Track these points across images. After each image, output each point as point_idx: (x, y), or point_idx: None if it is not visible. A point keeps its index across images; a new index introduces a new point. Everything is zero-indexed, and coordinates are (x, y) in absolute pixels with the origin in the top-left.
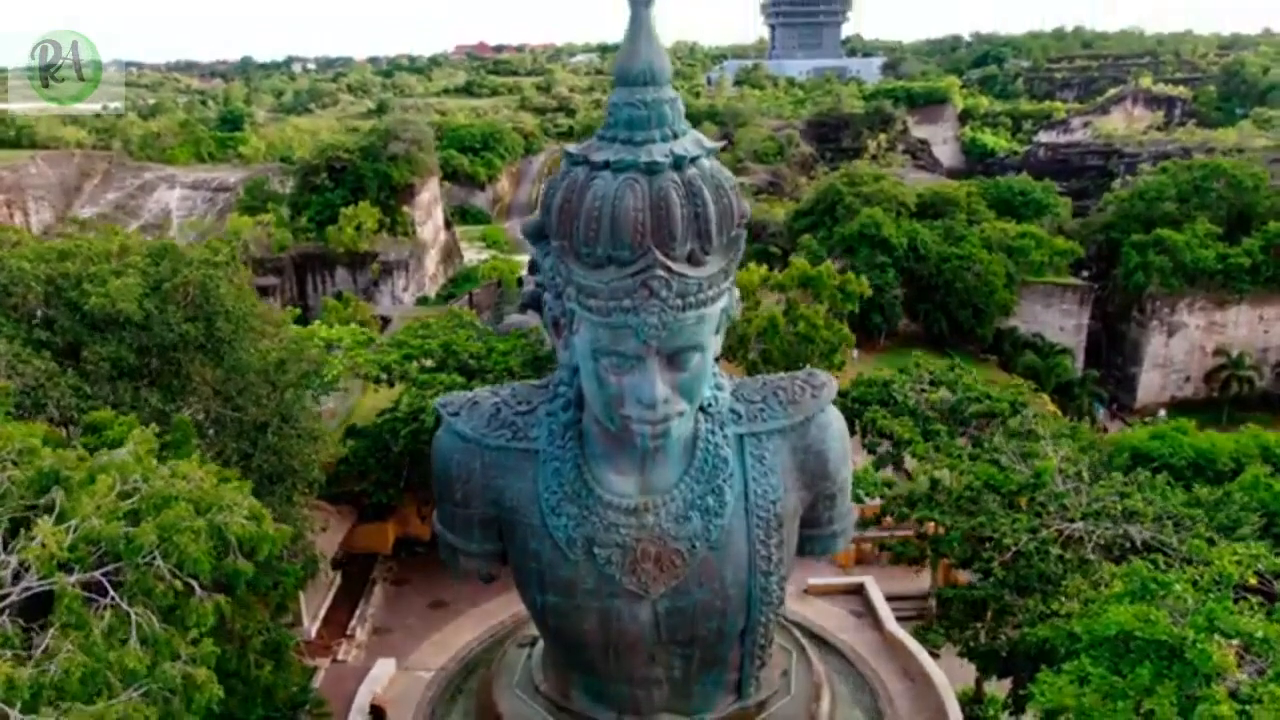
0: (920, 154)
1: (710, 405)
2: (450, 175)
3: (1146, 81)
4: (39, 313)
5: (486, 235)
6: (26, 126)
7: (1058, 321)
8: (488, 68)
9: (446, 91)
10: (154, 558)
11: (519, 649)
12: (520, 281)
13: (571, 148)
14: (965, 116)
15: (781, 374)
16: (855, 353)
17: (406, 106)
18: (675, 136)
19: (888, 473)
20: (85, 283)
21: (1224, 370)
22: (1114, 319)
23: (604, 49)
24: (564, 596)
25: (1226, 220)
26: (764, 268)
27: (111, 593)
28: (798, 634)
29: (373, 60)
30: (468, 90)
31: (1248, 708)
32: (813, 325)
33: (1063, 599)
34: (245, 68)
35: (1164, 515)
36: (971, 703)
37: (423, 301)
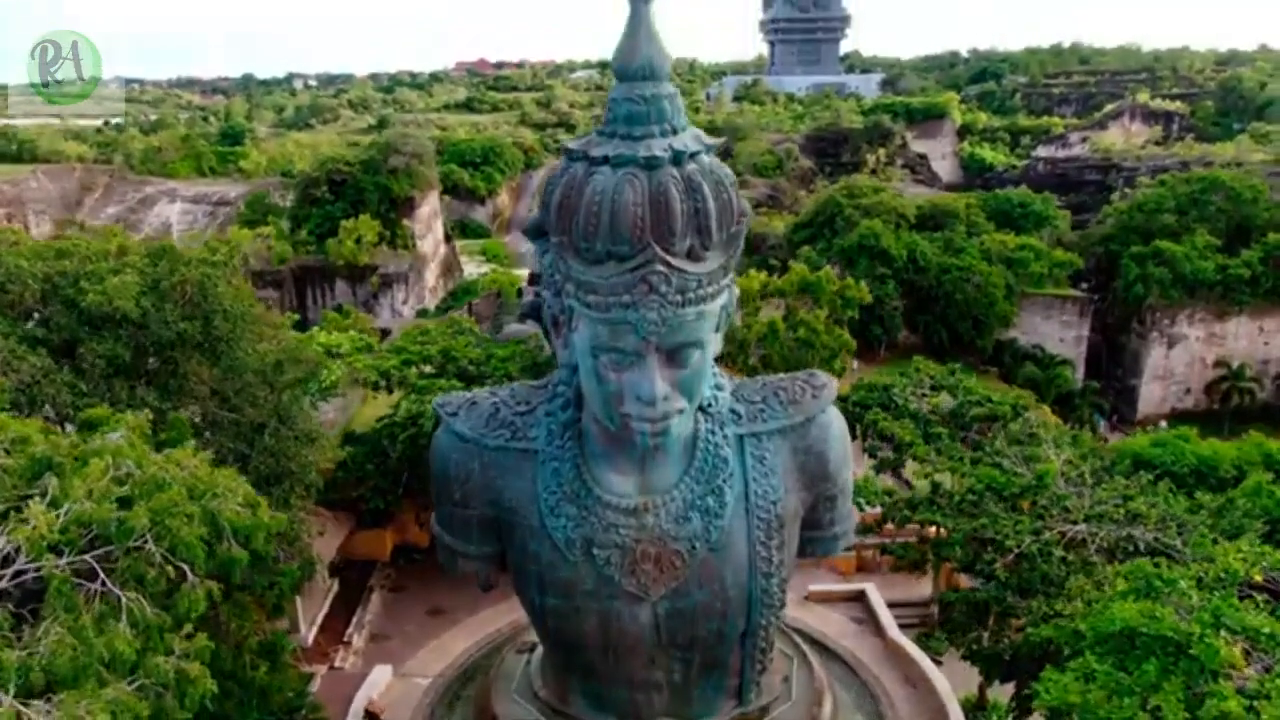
0: (919, 168)
1: (710, 405)
2: (450, 189)
3: (1144, 97)
4: (36, 310)
5: (486, 249)
6: (28, 141)
7: (1058, 333)
8: (488, 84)
9: (447, 107)
10: (146, 541)
11: (517, 655)
12: (520, 292)
13: (571, 143)
14: (964, 132)
15: (782, 375)
16: (855, 364)
17: (407, 121)
18: (675, 132)
19: (888, 481)
20: (82, 281)
21: (1225, 382)
22: (1114, 331)
23: (604, 65)
24: (563, 598)
25: (1225, 232)
26: (764, 274)
27: (102, 577)
28: (799, 640)
29: (374, 76)
30: (468, 106)
31: (1255, 703)
32: (813, 330)
33: (1066, 600)
34: (247, 84)
35: (1167, 517)
36: (975, 709)
37: (422, 314)
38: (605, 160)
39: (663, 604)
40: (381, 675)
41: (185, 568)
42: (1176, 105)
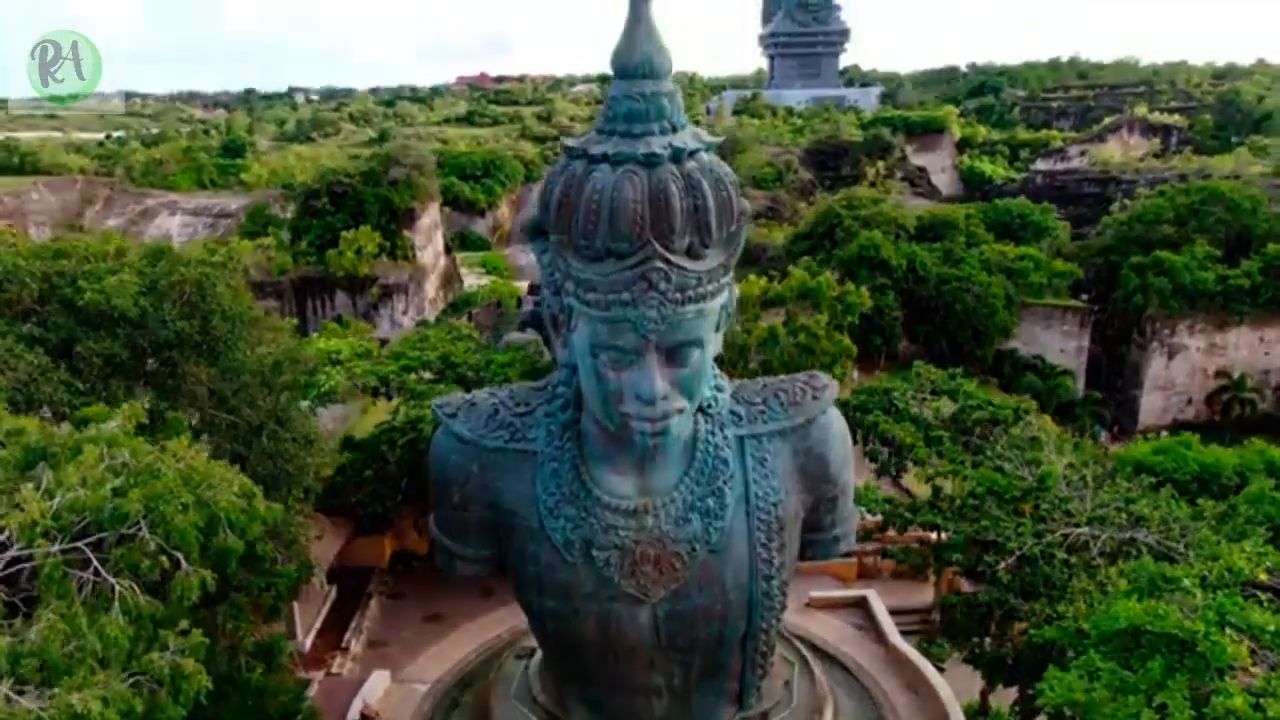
0: (918, 181)
1: (710, 406)
2: (451, 201)
3: (1142, 110)
4: (33, 310)
5: (486, 261)
6: (30, 153)
7: (1058, 343)
8: (489, 97)
9: (448, 120)
10: (139, 527)
11: (516, 660)
12: (520, 302)
13: (570, 141)
14: (963, 145)
15: (782, 376)
16: (855, 374)
17: (408, 135)
18: (674, 130)
19: (889, 490)
20: (80, 280)
21: (1225, 392)
22: (1114, 341)
23: (604, 79)
24: (562, 600)
25: (1225, 242)
26: (764, 279)
27: (95, 564)
28: (800, 646)
29: (374, 91)
30: (469, 119)
31: (1261, 701)
32: (813, 336)
33: (1069, 602)
34: (248, 98)
35: (1170, 520)
36: (977, 715)
37: (422, 325)
38: (605, 158)
39: (662, 606)
40: (379, 681)
41: (179, 556)
42: (1174, 119)
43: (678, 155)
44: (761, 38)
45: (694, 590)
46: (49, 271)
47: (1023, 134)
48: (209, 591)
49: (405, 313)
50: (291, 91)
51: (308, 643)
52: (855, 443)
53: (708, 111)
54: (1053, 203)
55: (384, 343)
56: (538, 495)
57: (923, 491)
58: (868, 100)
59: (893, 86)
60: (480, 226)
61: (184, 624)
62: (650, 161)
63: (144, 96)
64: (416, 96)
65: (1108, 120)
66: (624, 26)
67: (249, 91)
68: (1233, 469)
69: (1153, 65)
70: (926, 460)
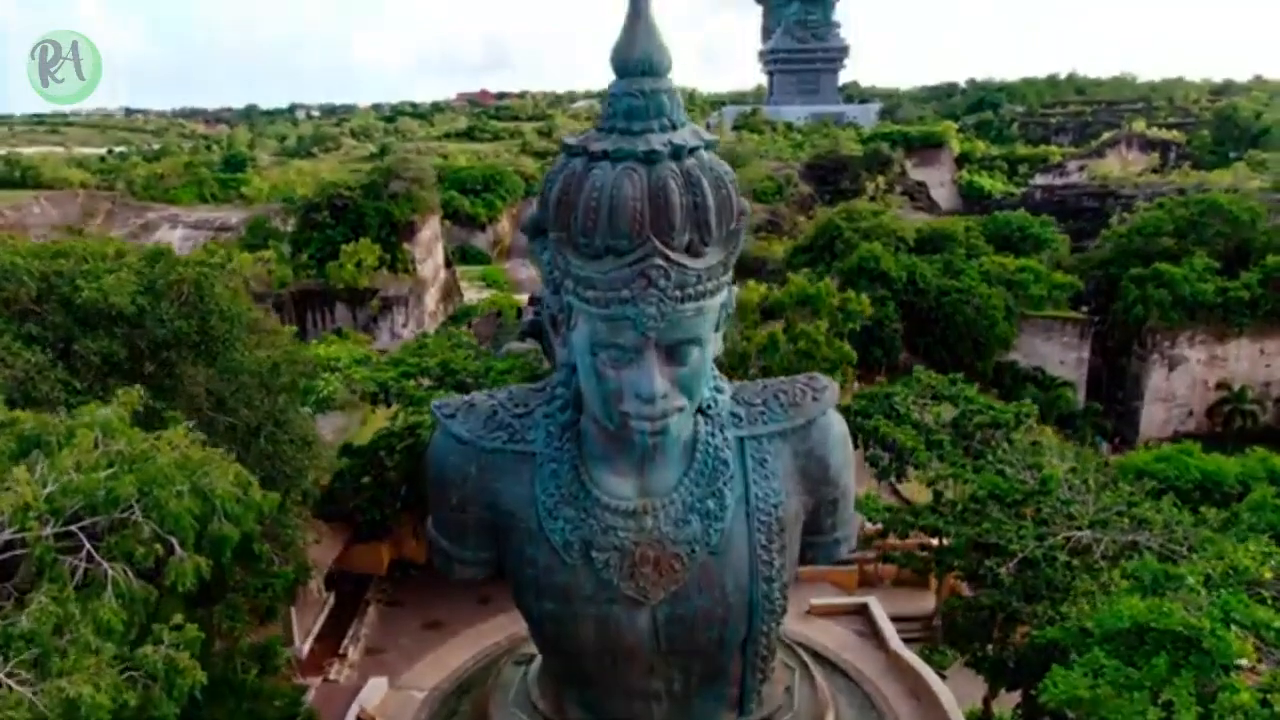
0: (918, 196)
1: (710, 407)
2: (451, 216)
3: (1140, 126)
4: (31, 310)
5: (486, 275)
6: (31, 167)
7: (1058, 355)
8: (489, 113)
9: (448, 135)
10: (133, 511)
11: (515, 666)
12: (519, 313)
13: (569, 139)
14: (962, 160)
15: (782, 378)
16: (856, 385)
17: (409, 150)
18: (674, 127)
19: (889, 499)
20: (79, 280)
21: (1226, 404)
22: (1114, 353)
23: (605, 96)
24: (561, 603)
25: (1224, 254)
26: (764, 286)
27: (88, 548)
28: (801, 652)
29: (376, 106)
30: (469, 134)
31: (1268, 697)
32: (814, 342)
33: (1071, 603)
34: (249, 114)
35: (1173, 523)
36: None
37: (422, 338)
38: (604, 155)
39: (662, 609)
40: (377, 688)
41: (174, 542)
42: (1173, 134)
43: (677, 152)
44: (761, 54)
45: (694, 592)
46: (47, 271)
47: (1021, 149)
48: (205, 588)
49: (405, 325)
50: (293, 107)
51: (305, 649)
52: (856, 447)
53: (708, 126)
54: (1052, 217)
55: (383, 354)
56: (536, 496)
57: (923, 499)
58: (867, 116)
59: (892, 103)
60: (480, 241)
61: (178, 618)
62: (650, 158)
63: (146, 113)
64: (417, 112)
65: (1106, 136)
66: (624, 24)
67: (250, 107)
68: (1235, 477)
69: (1150, 81)
70: (927, 464)
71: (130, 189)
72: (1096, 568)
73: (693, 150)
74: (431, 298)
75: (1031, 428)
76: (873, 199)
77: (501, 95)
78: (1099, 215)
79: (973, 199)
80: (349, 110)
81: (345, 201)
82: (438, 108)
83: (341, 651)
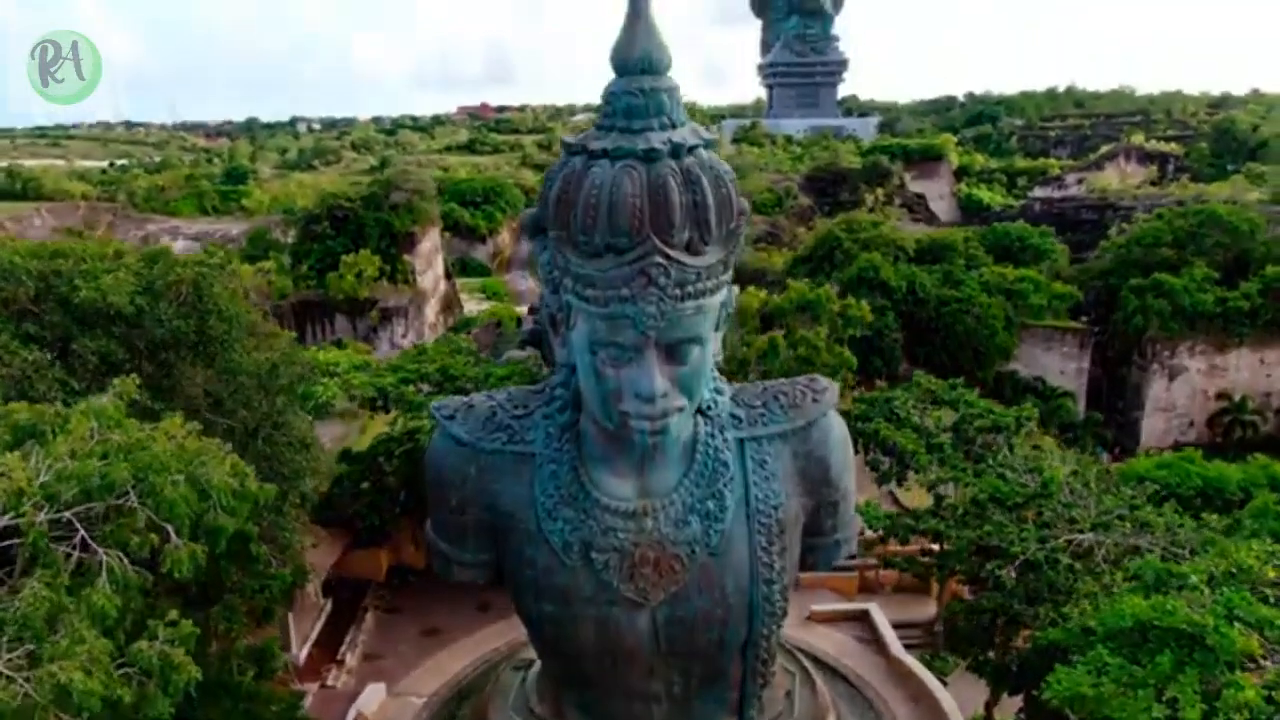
0: (917, 208)
1: (710, 409)
2: (451, 228)
3: (1139, 139)
4: (30, 310)
5: (486, 286)
6: (32, 180)
7: (1058, 365)
8: (489, 126)
9: (449, 149)
10: (128, 497)
11: (514, 672)
12: (519, 322)
13: (569, 138)
14: (961, 173)
15: (782, 380)
16: (857, 391)
17: (409, 162)
18: (674, 126)
19: (889, 508)
20: (77, 280)
21: (1227, 414)
22: (1114, 363)
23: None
24: (560, 605)
25: (1223, 265)
26: (764, 292)
27: (82, 533)
28: (801, 657)
29: (376, 120)
30: (469, 148)
31: (1273, 693)
32: (814, 348)
33: (1074, 604)
34: (250, 127)
35: (1175, 527)
36: None
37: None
38: (604, 153)
39: (662, 610)
40: (375, 694)
41: (169, 529)
42: (1171, 147)
43: (677, 151)
44: (760, 68)
45: (693, 594)
46: (45, 271)
47: (1020, 162)
48: (203, 589)
49: (405, 336)
50: (293, 121)
51: (303, 655)
52: (856, 452)
53: None
54: (1051, 228)
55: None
56: (536, 497)
57: (923, 507)
58: (866, 129)
59: (891, 116)
60: (481, 253)
61: (173, 614)
62: (650, 156)
63: (147, 126)
64: (418, 125)
65: (1105, 149)
66: (623, 23)
67: (251, 121)
68: (1237, 484)
69: (1148, 95)
70: (928, 467)
71: (131, 201)
72: (1098, 571)
73: (692, 149)
74: (431, 309)
75: (1032, 432)
76: (872, 211)
77: (502, 109)
78: (1098, 227)
79: (972, 211)
80: (350, 123)
81: (345, 213)
82: (438, 121)
83: (339, 658)
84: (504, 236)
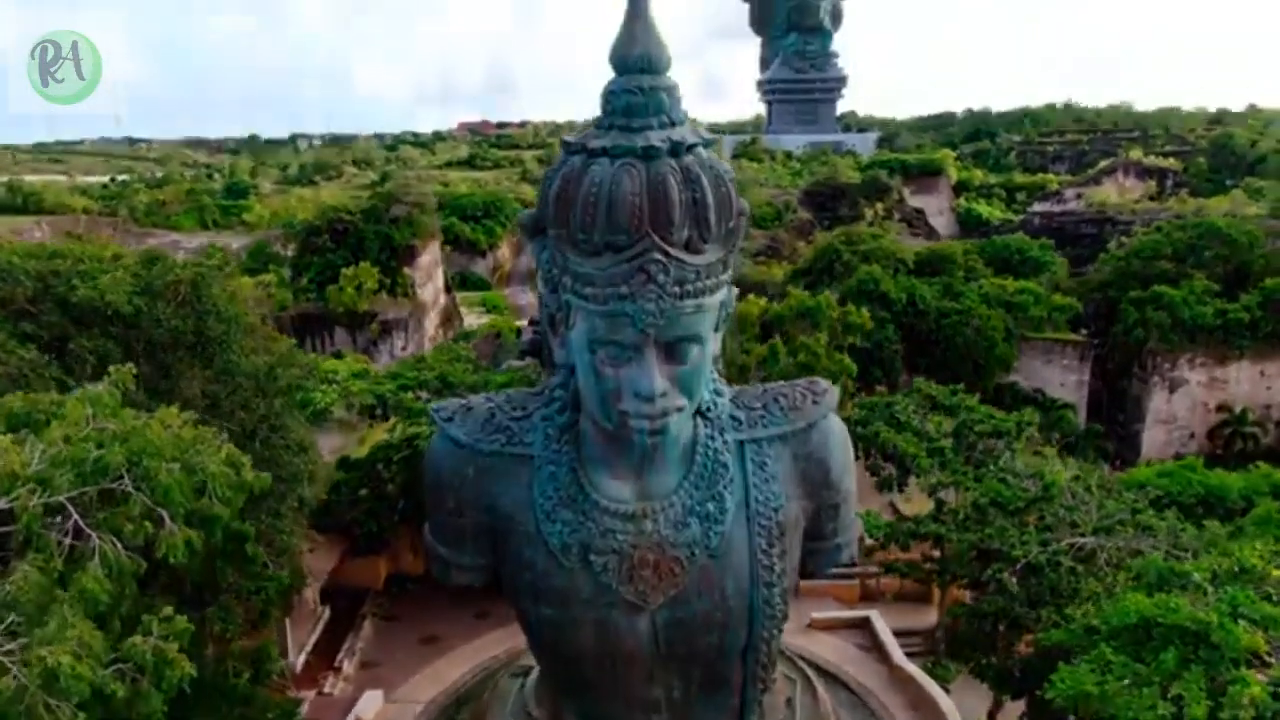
0: (916, 222)
1: (710, 410)
2: (452, 242)
3: (1137, 154)
4: (27, 310)
5: (486, 300)
6: (33, 194)
7: (1058, 377)
8: (490, 141)
9: (449, 164)
10: (123, 481)
11: (512, 679)
12: (519, 333)
13: (568, 137)
14: (960, 188)
15: (782, 382)
16: (857, 397)
17: (410, 177)
18: (673, 124)
19: (889, 518)
20: (75, 280)
21: (1227, 427)
22: (1114, 376)
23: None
24: (559, 608)
25: (1223, 277)
26: (764, 299)
27: (75, 517)
28: (802, 665)
29: (377, 136)
30: (470, 163)
31: (1278, 690)
32: (814, 354)
33: (1077, 604)
34: (252, 143)
35: (1178, 530)
36: None
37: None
38: (603, 151)
39: (661, 613)
40: (372, 700)
41: (164, 515)
42: (1169, 162)
43: (676, 149)
44: (760, 84)
45: (693, 596)
46: (43, 271)
47: (1019, 177)
48: (198, 589)
49: (405, 349)
50: (294, 137)
51: (300, 662)
52: (857, 458)
53: None
54: (1050, 241)
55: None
56: (534, 499)
57: (924, 510)
58: (865, 145)
59: (890, 132)
60: (481, 267)
61: (168, 610)
62: (649, 154)
63: (149, 142)
64: (419, 141)
65: (1103, 164)
66: (623, 22)
67: (252, 137)
68: (1238, 492)
69: (1147, 111)
70: (929, 470)
71: (132, 215)
72: (1101, 574)
73: (691, 147)
74: (431, 322)
75: (1033, 437)
76: (871, 225)
77: (502, 125)
78: (1097, 241)
79: (971, 226)
80: (351, 140)
81: (345, 225)
82: (439, 137)
83: (336, 665)
84: (504, 251)
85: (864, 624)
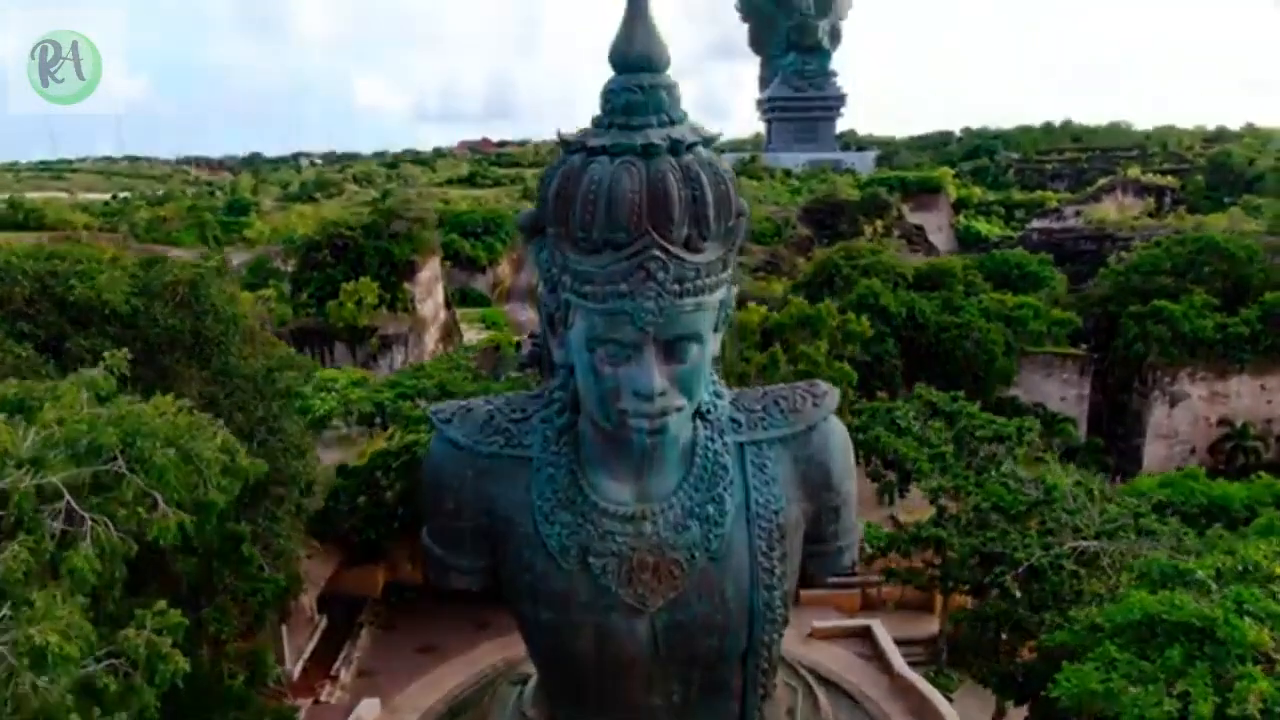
0: (915, 239)
1: (709, 412)
2: (452, 258)
3: (1135, 172)
4: (25, 310)
5: (486, 316)
6: (35, 210)
7: (1059, 391)
8: (491, 159)
9: (450, 181)
10: (117, 462)
11: (510, 686)
12: (519, 346)
13: (567, 136)
14: (959, 206)
15: (782, 384)
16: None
17: (410, 195)
18: (673, 123)
19: (890, 529)
20: (73, 280)
21: (1228, 441)
22: (1115, 390)
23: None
24: (558, 611)
25: (1223, 292)
26: (764, 307)
27: (68, 498)
28: (804, 673)
29: (378, 154)
30: (470, 180)
31: None
32: (814, 362)
33: (1080, 605)
34: (253, 161)
35: (1181, 534)
36: None
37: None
38: (602, 150)
39: (661, 617)
40: (370, 708)
41: (158, 497)
42: (1168, 180)
43: (676, 147)
44: (759, 102)
45: (693, 599)
46: (42, 271)
47: (1018, 195)
48: (194, 590)
49: (404, 364)
50: (297, 155)
51: (296, 670)
52: (857, 463)
53: None
54: (1050, 256)
55: None
56: (533, 501)
57: (924, 519)
58: (864, 163)
59: (889, 150)
60: (480, 283)
61: (161, 604)
62: (648, 152)
63: (151, 160)
64: (420, 159)
65: (1102, 181)
66: (622, 20)
67: (254, 155)
68: (1241, 502)
69: (1145, 129)
70: (930, 474)
71: (133, 232)
72: (1104, 576)
73: (691, 146)
74: (431, 337)
75: (1034, 443)
76: (870, 241)
77: (503, 143)
78: (1096, 258)
79: (970, 243)
80: (352, 158)
81: (346, 241)
82: (440, 154)
83: (333, 673)
84: (504, 267)
85: (865, 633)
